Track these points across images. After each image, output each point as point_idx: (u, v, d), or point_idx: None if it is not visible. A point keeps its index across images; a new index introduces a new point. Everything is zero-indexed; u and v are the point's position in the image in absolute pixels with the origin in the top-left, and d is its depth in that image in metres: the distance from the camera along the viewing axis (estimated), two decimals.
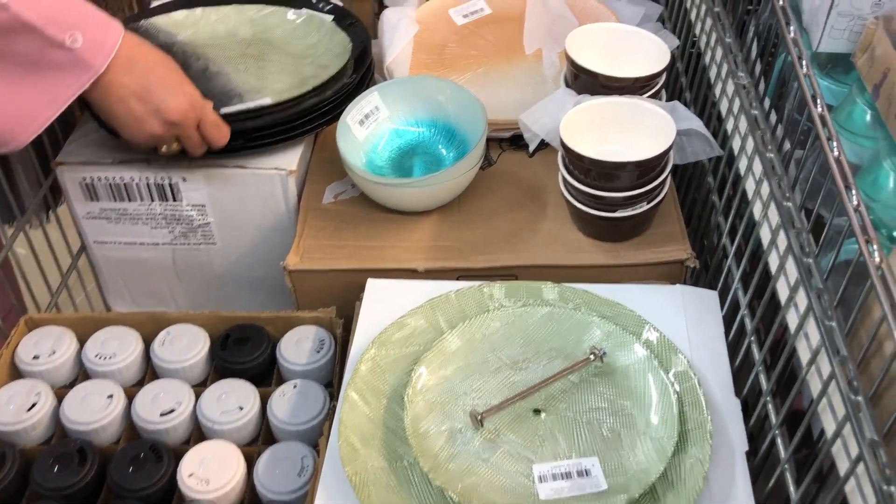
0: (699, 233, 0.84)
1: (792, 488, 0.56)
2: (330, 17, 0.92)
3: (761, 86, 0.83)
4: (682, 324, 0.69)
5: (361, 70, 0.86)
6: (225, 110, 0.79)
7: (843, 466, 0.49)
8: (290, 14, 0.93)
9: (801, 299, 0.56)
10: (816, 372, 0.54)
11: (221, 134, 0.76)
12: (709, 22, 0.80)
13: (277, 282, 0.81)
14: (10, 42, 0.63)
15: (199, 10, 0.94)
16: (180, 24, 0.92)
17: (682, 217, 0.78)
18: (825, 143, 0.61)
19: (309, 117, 0.82)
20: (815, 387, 0.54)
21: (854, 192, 0.57)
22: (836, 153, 0.61)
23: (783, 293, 0.60)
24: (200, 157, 0.79)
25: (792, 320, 0.58)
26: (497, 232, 0.79)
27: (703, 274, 0.81)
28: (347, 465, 0.60)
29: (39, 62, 0.65)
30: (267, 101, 0.81)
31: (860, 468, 0.46)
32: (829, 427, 0.52)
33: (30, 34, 0.63)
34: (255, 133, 0.80)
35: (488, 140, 0.86)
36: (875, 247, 0.53)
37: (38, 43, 0.64)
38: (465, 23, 1.00)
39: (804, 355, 0.56)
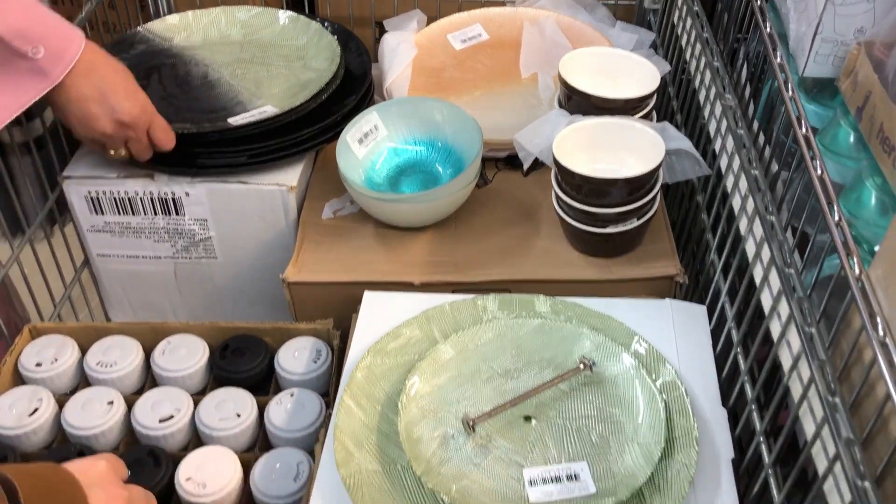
0: (689, 249, 0.86)
1: (775, 493, 0.58)
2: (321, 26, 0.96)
3: (751, 109, 0.86)
4: (670, 336, 0.71)
5: (361, 91, 0.88)
6: (234, 121, 0.82)
7: (822, 467, 0.50)
8: (279, 15, 0.98)
9: (784, 309, 0.58)
10: (798, 378, 0.55)
11: (168, 137, 0.80)
12: (698, 47, 0.83)
13: (276, 295, 0.83)
14: None
15: (190, 14, 0.98)
16: (174, 27, 0.97)
17: (673, 234, 0.80)
18: (809, 162, 0.63)
19: (309, 134, 0.84)
20: (797, 393, 0.56)
21: (836, 207, 0.59)
22: (819, 172, 0.63)
23: (767, 304, 0.62)
24: (203, 173, 0.82)
25: (775, 329, 0.60)
26: (491, 248, 0.81)
27: (695, 288, 0.83)
28: (342, 467, 0.61)
29: (2, 69, 0.68)
30: (270, 110, 0.84)
31: (837, 468, 0.47)
32: (811, 431, 0.53)
33: None
34: (258, 149, 0.82)
35: (484, 159, 0.88)
36: (855, 259, 0.55)
37: (4, 53, 0.68)
38: (463, 48, 1.03)
39: (787, 363, 0.58)
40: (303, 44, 0.95)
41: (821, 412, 0.50)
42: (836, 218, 0.59)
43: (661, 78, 0.94)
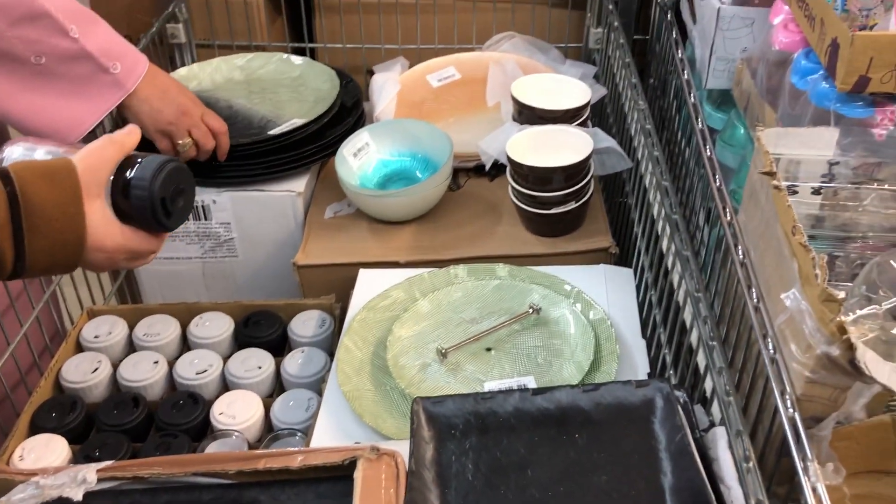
0: (621, 227, 1.05)
1: (671, 372, 0.75)
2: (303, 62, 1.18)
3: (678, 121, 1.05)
4: (603, 291, 0.89)
5: (355, 115, 1.09)
6: (273, 132, 1.03)
7: (702, 365, 0.67)
8: (272, 56, 1.19)
9: (678, 266, 0.76)
10: (692, 314, 0.72)
11: (220, 123, 0.99)
12: (624, 72, 1.03)
13: (289, 287, 1.01)
14: (72, 66, 0.87)
15: (195, 66, 1.19)
16: (184, 78, 1.16)
17: (607, 216, 0.99)
18: (702, 144, 0.82)
19: (312, 150, 1.04)
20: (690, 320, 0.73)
21: (718, 176, 0.77)
22: (708, 153, 0.83)
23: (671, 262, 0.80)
24: (227, 183, 1.01)
25: (675, 278, 0.78)
26: (463, 234, 1.00)
27: (628, 257, 1.01)
28: (343, 385, 0.79)
29: (91, 82, 0.88)
30: (298, 121, 1.05)
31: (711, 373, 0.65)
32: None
33: (88, 60, 0.87)
34: (273, 161, 1.02)
35: (458, 169, 1.08)
36: (730, 212, 0.74)
37: (92, 68, 0.88)
38: (439, 85, 1.24)
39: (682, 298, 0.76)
40: (298, 74, 1.16)
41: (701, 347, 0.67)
42: (717, 184, 0.78)
43: (602, 100, 1.14)
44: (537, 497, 0.51)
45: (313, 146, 1.05)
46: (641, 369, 0.80)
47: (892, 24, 0.70)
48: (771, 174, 0.65)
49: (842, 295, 0.54)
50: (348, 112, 1.10)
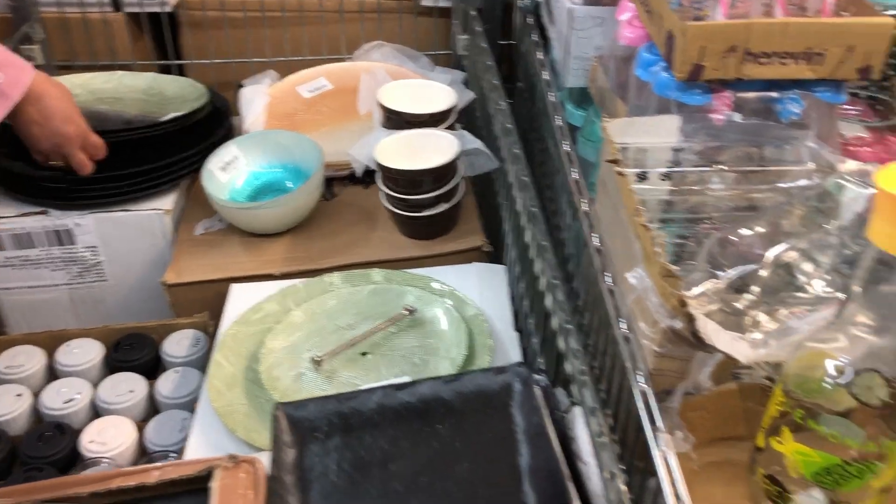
0: (498, 226, 1.06)
1: (540, 359, 0.76)
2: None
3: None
4: (476, 288, 0.90)
5: (223, 129, 1.07)
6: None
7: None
8: (135, 75, 1.19)
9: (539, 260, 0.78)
10: (552, 302, 0.74)
11: (99, 147, 0.98)
12: (488, 76, 1.05)
13: (162, 310, 0.98)
14: None
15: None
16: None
17: (482, 216, 1.00)
18: (559, 138, 0.85)
19: (178, 165, 1.02)
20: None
21: (574, 161, 0.80)
22: (566, 148, 0.85)
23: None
24: (91, 205, 0.98)
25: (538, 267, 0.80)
26: (338, 242, 0.99)
27: (503, 253, 1.03)
28: (215, 402, 0.77)
29: None
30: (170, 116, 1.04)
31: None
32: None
33: None
34: (137, 179, 0.99)
35: (332, 179, 1.08)
36: (585, 199, 0.76)
37: None
38: (310, 96, 1.23)
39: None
40: (159, 90, 1.14)
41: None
42: (574, 176, 0.81)
43: (472, 104, 1.16)
44: (400, 490, 0.51)
45: (179, 161, 1.03)
46: (514, 359, 0.81)
47: (720, 14, 0.74)
48: (615, 161, 0.67)
49: (679, 270, 0.57)
50: (216, 126, 1.09)
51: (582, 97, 1.05)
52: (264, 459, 0.55)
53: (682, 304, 0.56)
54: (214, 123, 1.09)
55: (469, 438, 0.54)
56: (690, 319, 0.56)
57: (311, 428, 0.56)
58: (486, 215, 1.04)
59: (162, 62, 1.33)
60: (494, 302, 0.88)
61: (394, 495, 0.50)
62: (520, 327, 0.85)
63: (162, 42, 1.31)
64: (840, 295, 0.60)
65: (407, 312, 0.85)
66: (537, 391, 0.58)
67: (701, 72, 0.72)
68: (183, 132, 1.04)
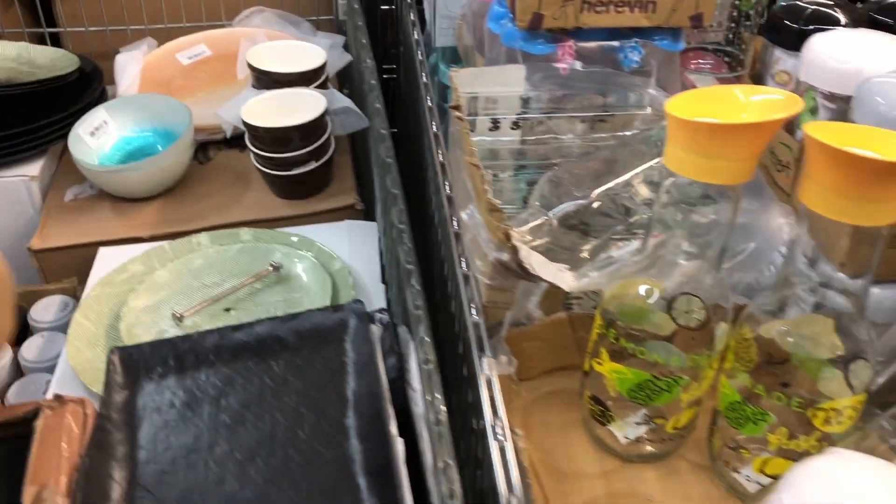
0: (371, 185, 1.08)
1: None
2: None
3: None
4: (346, 244, 0.91)
5: (94, 93, 1.05)
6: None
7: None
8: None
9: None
10: (401, 248, 0.76)
11: None
12: (359, 36, 1.06)
13: (33, 280, 0.96)
14: None
15: None
16: None
17: (356, 175, 1.01)
18: (424, 99, 0.86)
19: (45, 131, 1.00)
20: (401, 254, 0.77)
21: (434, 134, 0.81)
22: (429, 103, 0.87)
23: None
24: None
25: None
26: (211, 204, 0.99)
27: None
28: (72, 360, 0.76)
29: None
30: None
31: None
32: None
33: None
34: (2, 145, 0.97)
35: (207, 142, 1.07)
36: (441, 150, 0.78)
37: None
38: (189, 63, 1.22)
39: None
40: (28, 58, 1.11)
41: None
42: (433, 130, 0.82)
43: (349, 66, 1.17)
44: (228, 423, 0.52)
45: (46, 127, 1.00)
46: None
47: None
48: (456, 108, 0.69)
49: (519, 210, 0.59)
50: (86, 92, 1.07)
51: (453, 56, 1.07)
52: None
53: (507, 237, 0.58)
54: (84, 89, 1.07)
55: (301, 372, 0.56)
56: (514, 251, 0.58)
57: (146, 368, 0.56)
58: (362, 174, 1.06)
59: (33, 30, 1.29)
60: (364, 257, 0.89)
61: (221, 427, 0.51)
62: (386, 279, 0.87)
63: (34, 10, 1.28)
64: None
65: (272, 268, 0.85)
66: (375, 327, 0.59)
67: (541, 20, 0.74)
68: (50, 97, 1.02)
